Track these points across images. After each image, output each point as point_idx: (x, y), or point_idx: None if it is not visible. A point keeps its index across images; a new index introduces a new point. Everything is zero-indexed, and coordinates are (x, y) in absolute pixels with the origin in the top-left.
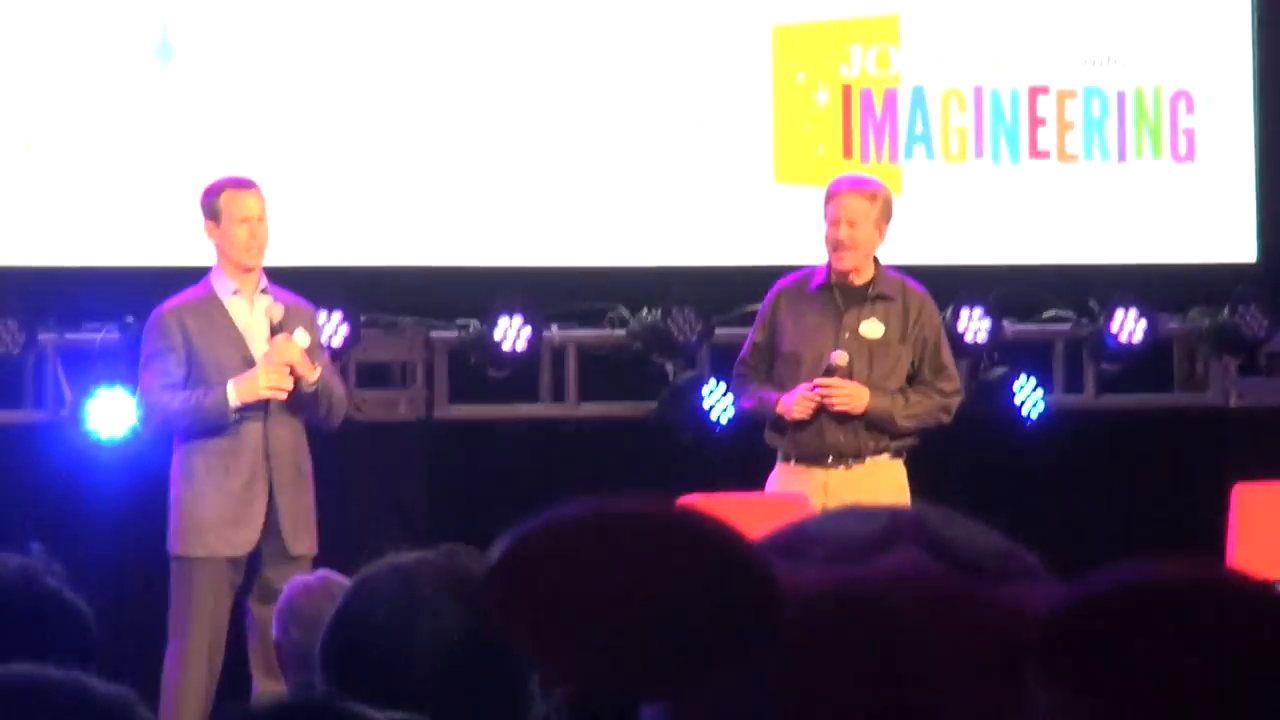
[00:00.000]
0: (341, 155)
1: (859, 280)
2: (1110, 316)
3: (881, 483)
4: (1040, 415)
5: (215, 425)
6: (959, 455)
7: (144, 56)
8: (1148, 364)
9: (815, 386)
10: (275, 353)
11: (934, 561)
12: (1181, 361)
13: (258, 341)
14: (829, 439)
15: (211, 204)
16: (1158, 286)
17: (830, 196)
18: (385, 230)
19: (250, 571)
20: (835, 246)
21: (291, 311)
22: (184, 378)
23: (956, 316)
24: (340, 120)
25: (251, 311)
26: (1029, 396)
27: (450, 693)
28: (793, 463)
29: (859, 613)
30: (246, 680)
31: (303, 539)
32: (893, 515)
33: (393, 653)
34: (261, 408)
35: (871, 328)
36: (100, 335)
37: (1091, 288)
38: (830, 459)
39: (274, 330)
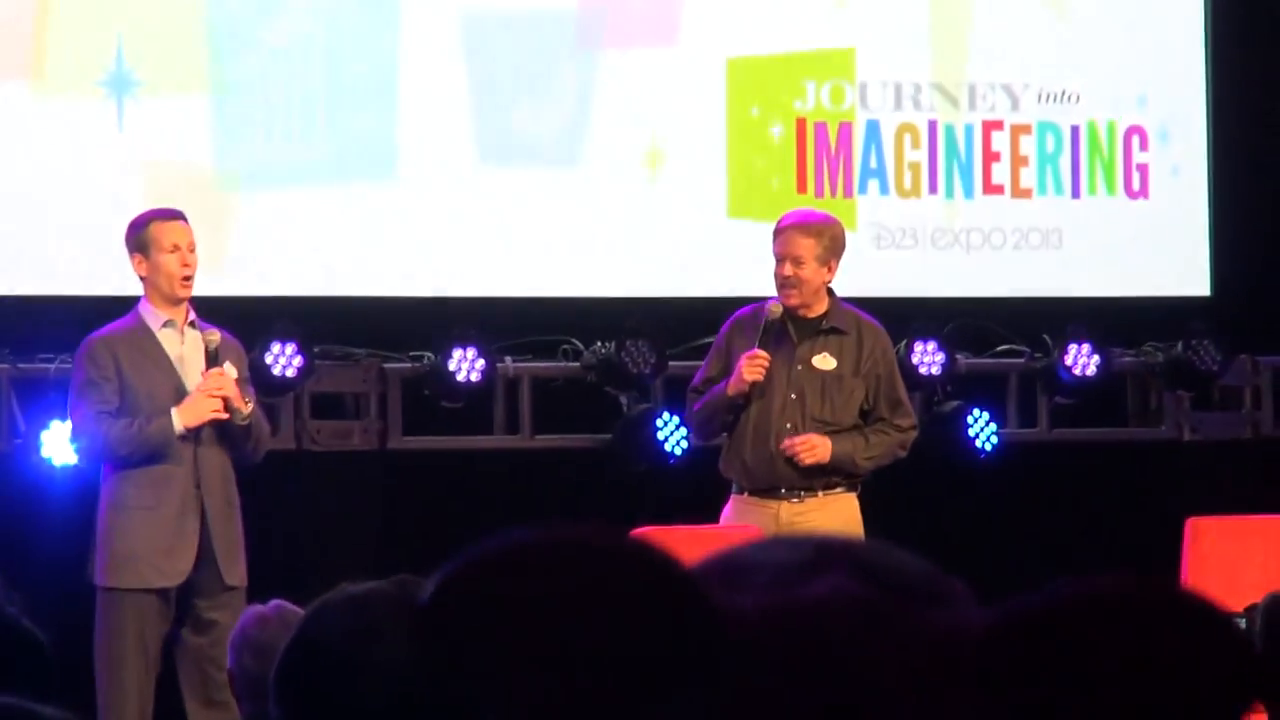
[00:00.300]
0: (297, 185)
1: (812, 314)
2: (1064, 350)
3: (834, 515)
4: (994, 448)
5: (157, 453)
6: (913, 488)
7: (97, 86)
8: (1101, 398)
9: (753, 353)
10: (210, 383)
11: (863, 585)
12: (1135, 395)
13: (191, 372)
14: (781, 471)
15: (139, 236)
16: (1111, 320)
17: (777, 233)
18: (339, 261)
19: (181, 602)
20: (781, 284)
21: (222, 345)
22: (118, 407)
23: (911, 350)
24: (295, 149)
25: (183, 343)
26: (982, 430)
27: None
28: (746, 495)
29: (798, 636)
30: (180, 714)
31: (235, 569)
32: (819, 543)
33: (346, 683)
34: (191, 438)
35: (824, 360)
36: (54, 365)
37: (1045, 322)
38: (783, 491)
39: (209, 360)
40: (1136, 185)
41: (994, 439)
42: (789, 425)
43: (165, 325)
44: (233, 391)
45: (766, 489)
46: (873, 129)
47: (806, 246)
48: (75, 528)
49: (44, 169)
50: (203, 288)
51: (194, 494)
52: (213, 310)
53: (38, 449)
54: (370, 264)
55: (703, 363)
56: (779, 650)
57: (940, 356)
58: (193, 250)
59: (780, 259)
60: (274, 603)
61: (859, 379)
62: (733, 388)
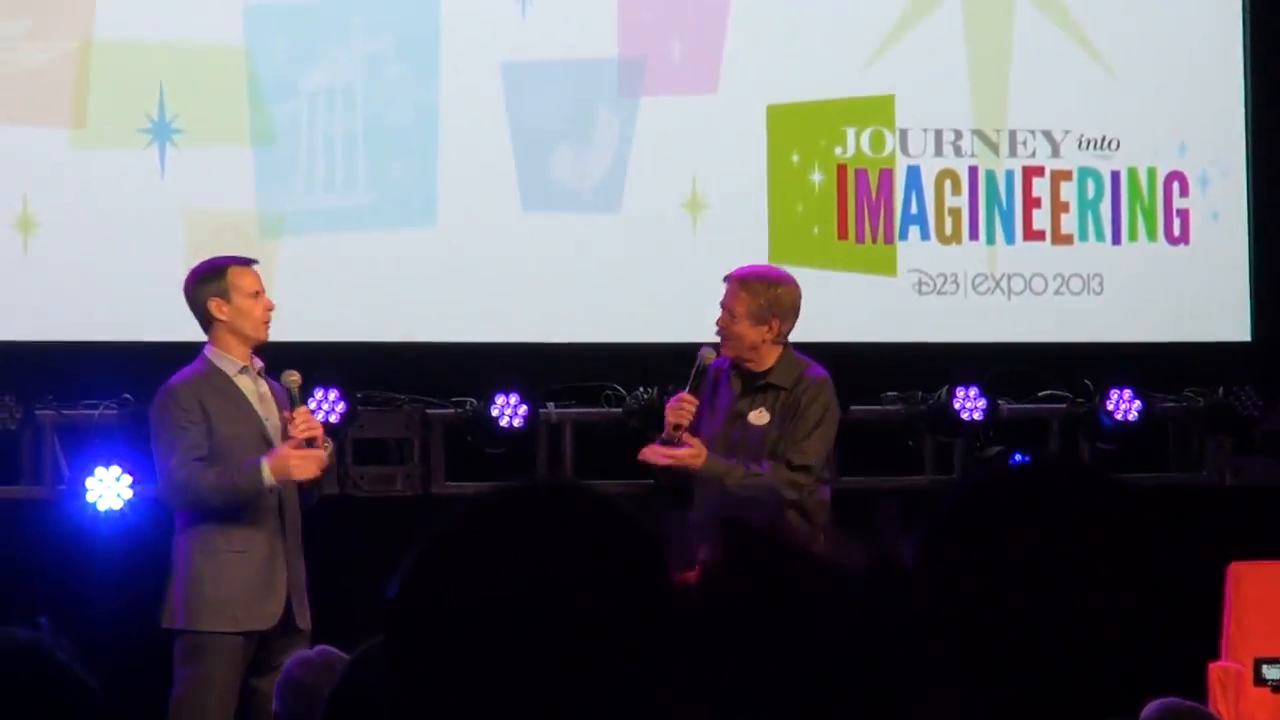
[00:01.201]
0: (338, 231)
1: (756, 368)
2: (1105, 395)
3: None
4: None
5: (247, 503)
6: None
7: (139, 134)
8: (1143, 443)
9: (680, 396)
10: (301, 424)
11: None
12: (1176, 440)
13: (270, 415)
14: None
15: (218, 283)
16: (1152, 366)
17: (724, 280)
18: (382, 307)
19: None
20: (717, 332)
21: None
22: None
23: (953, 395)
24: (336, 196)
25: (256, 387)
26: None
27: None
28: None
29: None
30: None
31: (305, 613)
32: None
33: None
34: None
35: (759, 416)
36: (98, 411)
37: (1086, 367)
38: None
39: (292, 400)
40: (1177, 231)
41: None
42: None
43: (241, 371)
44: (319, 431)
45: None
46: (913, 175)
47: (742, 301)
48: (120, 572)
49: (86, 216)
50: None
51: (280, 539)
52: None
53: (82, 494)
54: (412, 310)
55: None
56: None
57: (982, 402)
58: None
59: (722, 307)
60: (319, 648)
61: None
62: (663, 440)
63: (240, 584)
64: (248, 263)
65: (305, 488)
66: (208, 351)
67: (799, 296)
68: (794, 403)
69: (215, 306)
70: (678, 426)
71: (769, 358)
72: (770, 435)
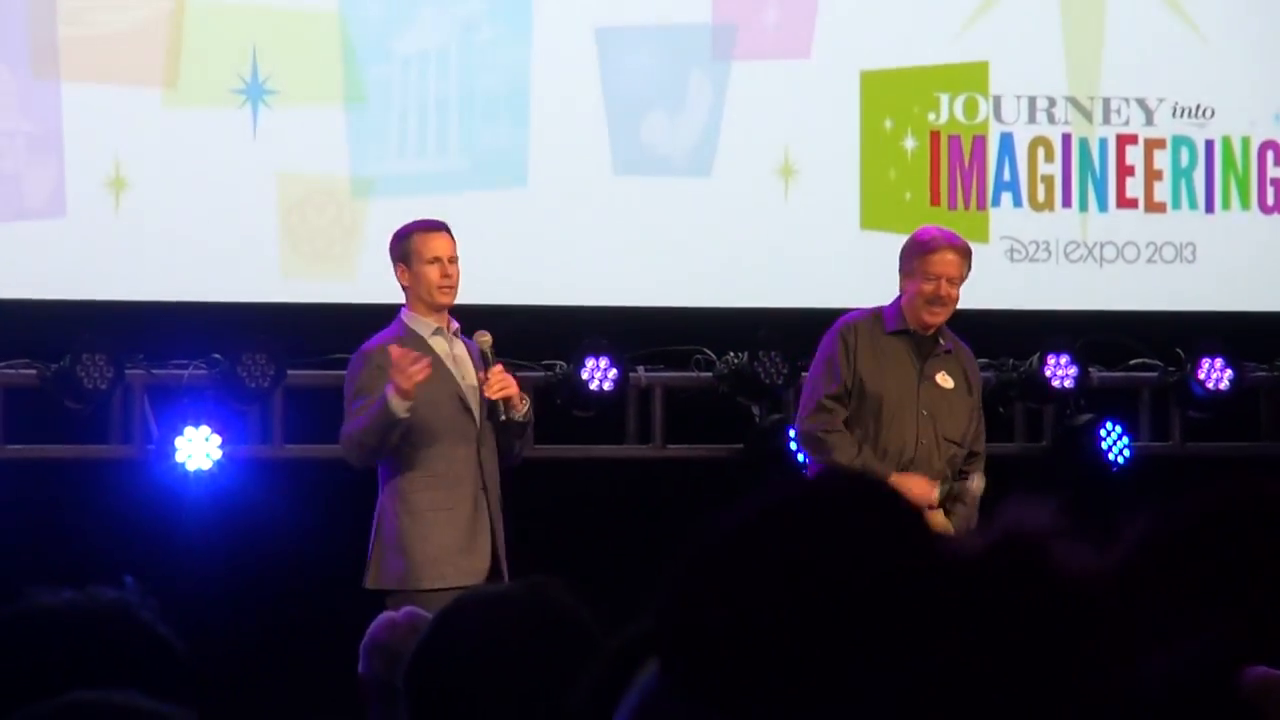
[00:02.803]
0: (430, 194)
1: (928, 331)
2: (1197, 364)
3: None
4: (1126, 461)
5: (391, 431)
6: (1044, 500)
7: (232, 94)
8: (1234, 412)
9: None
10: (496, 383)
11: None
12: (1268, 409)
13: (466, 375)
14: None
15: (402, 247)
16: (1244, 335)
17: (929, 250)
18: (473, 269)
19: None
20: (932, 301)
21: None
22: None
23: (1044, 363)
24: (428, 159)
25: (450, 348)
26: (1115, 443)
27: None
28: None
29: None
30: None
31: (504, 568)
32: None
33: (473, 683)
34: (473, 439)
35: (945, 379)
36: (188, 371)
37: (1177, 335)
38: None
39: (485, 359)
40: (1271, 200)
41: (1127, 452)
42: (923, 442)
43: (435, 333)
44: (516, 389)
45: None
46: (1006, 142)
47: (963, 270)
48: (209, 533)
49: (177, 176)
50: (336, 294)
51: (482, 495)
52: (346, 318)
53: (171, 454)
54: (503, 273)
55: (817, 379)
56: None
57: (1073, 370)
58: (454, 261)
59: (935, 278)
60: (406, 609)
61: (972, 399)
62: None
63: (448, 541)
64: (435, 228)
65: (510, 439)
66: (403, 314)
67: None
68: (970, 372)
69: (400, 271)
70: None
71: None
72: (964, 400)
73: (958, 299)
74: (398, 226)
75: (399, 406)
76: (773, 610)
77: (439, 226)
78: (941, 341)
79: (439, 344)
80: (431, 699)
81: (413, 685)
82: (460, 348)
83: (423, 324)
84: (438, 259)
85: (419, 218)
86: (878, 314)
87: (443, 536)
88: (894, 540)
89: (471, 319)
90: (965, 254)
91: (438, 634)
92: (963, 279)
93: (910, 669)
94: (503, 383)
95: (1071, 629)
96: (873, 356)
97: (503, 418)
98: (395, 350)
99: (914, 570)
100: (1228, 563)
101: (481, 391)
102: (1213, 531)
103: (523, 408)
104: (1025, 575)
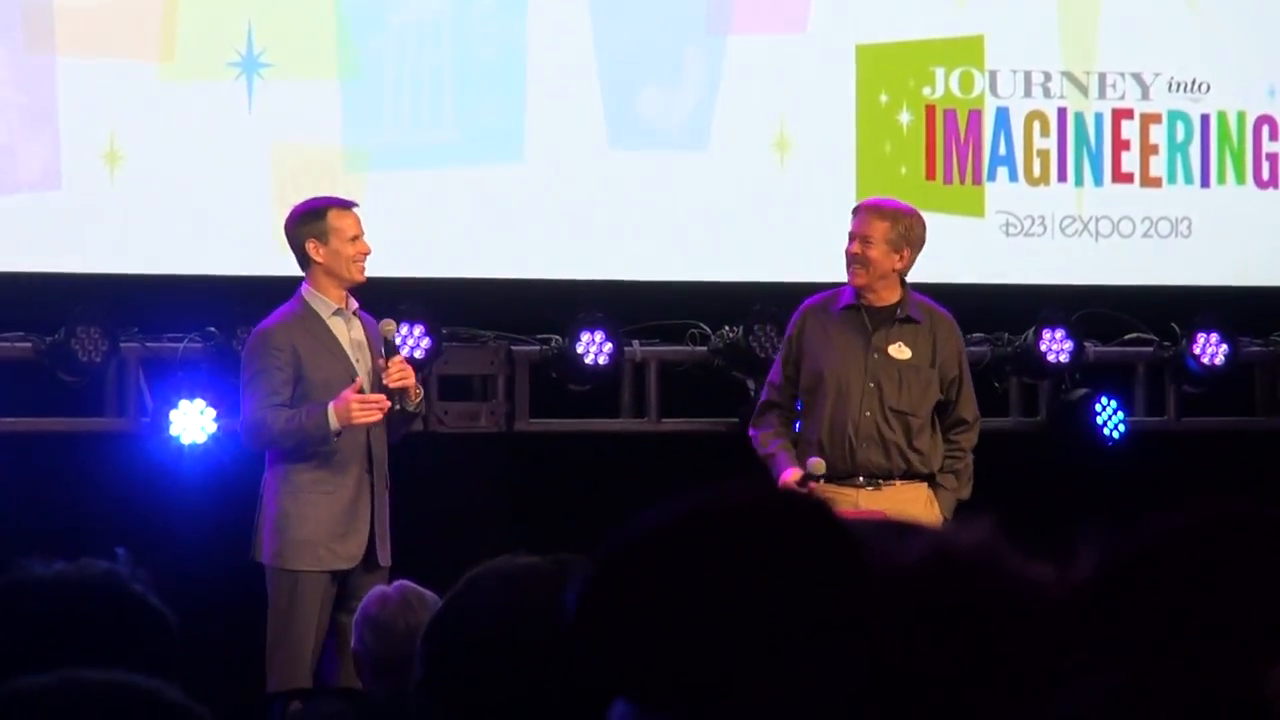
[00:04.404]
0: (424, 167)
1: (883, 301)
2: (1192, 339)
3: (911, 503)
4: (1121, 436)
5: (317, 444)
6: (1039, 474)
7: (227, 67)
8: (1229, 387)
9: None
10: (395, 373)
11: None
12: (1263, 384)
13: (363, 359)
14: (860, 459)
15: (316, 224)
16: (1240, 310)
17: (854, 212)
18: (467, 243)
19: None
20: (848, 261)
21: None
22: (290, 397)
23: (1039, 337)
24: (422, 132)
25: (349, 330)
26: (1110, 418)
27: (544, 698)
28: (822, 483)
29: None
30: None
31: (387, 550)
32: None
33: (491, 652)
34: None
35: (899, 350)
36: (182, 345)
37: (1173, 310)
38: (861, 479)
39: (388, 348)
40: (1266, 174)
41: (1122, 427)
42: (867, 414)
43: (335, 314)
44: (412, 381)
45: (845, 476)
46: (1002, 116)
47: (878, 228)
48: (203, 505)
49: (172, 149)
50: None
51: (367, 477)
52: None
53: (166, 427)
54: (498, 246)
55: (777, 355)
56: (929, 599)
57: (1068, 344)
58: (363, 238)
59: (850, 237)
60: (397, 583)
61: (934, 370)
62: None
63: (325, 524)
64: (348, 205)
65: (397, 425)
66: (303, 291)
67: (926, 230)
68: (940, 342)
69: (313, 248)
70: (810, 477)
71: (896, 290)
72: (924, 372)
73: (875, 260)
74: (383, 198)
75: (336, 426)
76: (678, 616)
77: (353, 204)
78: (900, 312)
79: (337, 324)
80: (447, 665)
81: (429, 649)
82: (358, 329)
83: (323, 303)
84: (356, 236)
85: (326, 194)
86: (834, 293)
87: (321, 518)
88: (797, 546)
89: (466, 293)
90: (887, 216)
91: (459, 600)
92: (884, 241)
93: (823, 680)
94: (402, 373)
95: (991, 650)
96: (819, 336)
97: (397, 407)
98: (352, 396)
99: (829, 580)
100: (1174, 599)
101: (379, 377)
102: (1166, 566)
103: (416, 398)
104: (953, 590)
